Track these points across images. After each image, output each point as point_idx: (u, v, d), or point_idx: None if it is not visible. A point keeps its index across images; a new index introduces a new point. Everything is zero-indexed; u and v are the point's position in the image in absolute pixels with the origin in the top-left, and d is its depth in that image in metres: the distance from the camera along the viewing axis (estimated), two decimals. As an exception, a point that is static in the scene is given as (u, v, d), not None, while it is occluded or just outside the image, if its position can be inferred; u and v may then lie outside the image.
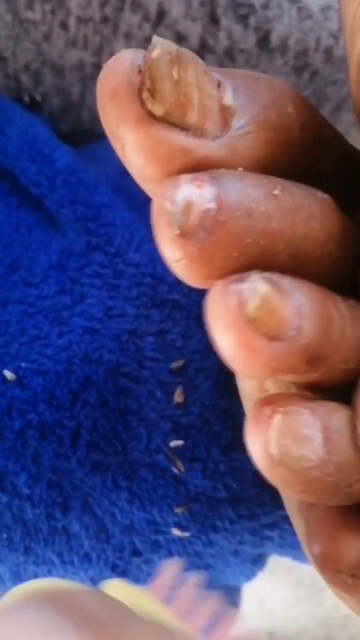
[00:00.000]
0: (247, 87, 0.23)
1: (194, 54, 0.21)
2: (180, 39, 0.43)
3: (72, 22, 0.42)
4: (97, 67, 0.43)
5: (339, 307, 0.23)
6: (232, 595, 0.49)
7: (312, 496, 0.25)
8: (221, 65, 0.43)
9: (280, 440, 0.23)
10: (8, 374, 0.34)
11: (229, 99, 0.22)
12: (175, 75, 0.21)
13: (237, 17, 0.42)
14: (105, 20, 0.42)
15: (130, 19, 0.42)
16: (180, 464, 0.34)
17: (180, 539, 0.36)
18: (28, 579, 0.38)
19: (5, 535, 0.35)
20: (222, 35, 0.43)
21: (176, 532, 0.36)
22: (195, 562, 0.38)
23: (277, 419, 0.24)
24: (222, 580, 0.40)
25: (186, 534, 0.36)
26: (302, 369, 0.23)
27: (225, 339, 0.22)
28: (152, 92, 0.20)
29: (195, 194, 0.20)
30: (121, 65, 0.21)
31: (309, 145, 0.24)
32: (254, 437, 0.25)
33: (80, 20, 0.42)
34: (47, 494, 0.34)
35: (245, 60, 0.43)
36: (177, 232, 0.21)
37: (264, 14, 0.42)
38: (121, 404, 0.34)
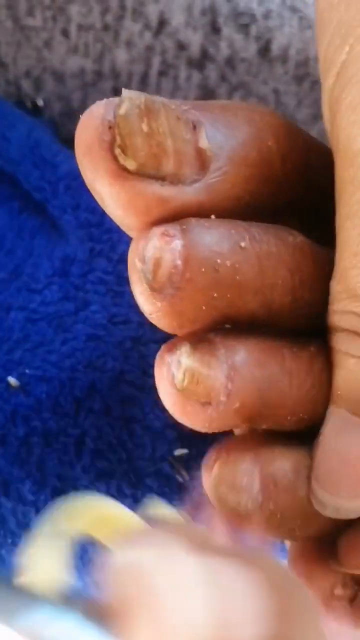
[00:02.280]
0: (224, 124, 0.23)
1: (165, 100, 0.21)
2: (181, 47, 0.43)
3: (73, 29, 0.42)
4: (99, 74, 0.43)
5: (285, 364, 0.23)
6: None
7: (261, 533, 0.25)
8: (222, 74, 0.43)
9: (217, 488, 0.24)
10: (12, 381, 0.34)
11: (204, 141, 0.22)
12: (145, 128, 0.20)
13: (238, 26, 0.42)
14: (106, 28, 0.42)
15: (131, 27, 0.42)
16: (184, 472, 0.34)
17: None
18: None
19: (10, 541, 0.34)
20: (223, 44, 0.43)
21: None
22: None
23: (215, 467, 0.24)
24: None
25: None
26: (239, 425, 0.24)
27: (166, 403, 0.23)
28: (123, 148, 0.20)
29: (164, 249, 0.21)
30: (93, 121, 0.21)
31: (294, 175, 0.24)
32: (204, 481, 0.25)
33: (81, 27, 0.42)
34: (52, 501, 0.34)
35: (246, 69, 0.44)
36: (147, 288, 0.21)
37: (264, 24, 0.42)
38: (125, 412, 0.34)
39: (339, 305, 0.22)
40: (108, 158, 0.20)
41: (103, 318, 0.35)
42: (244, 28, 0.43)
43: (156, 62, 0.42)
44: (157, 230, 0.21)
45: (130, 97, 0.20)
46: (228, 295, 0.21)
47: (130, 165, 0.20)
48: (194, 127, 0.22)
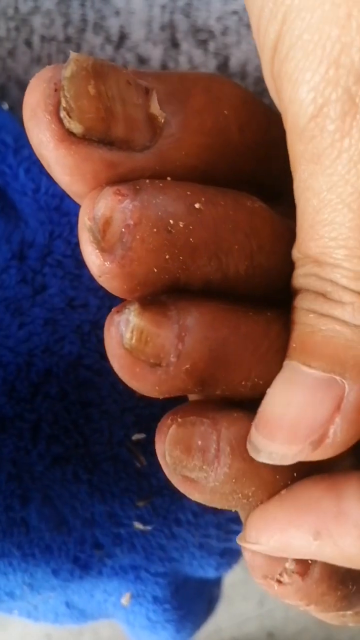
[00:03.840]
0: (180, 91, 0.22)
1: (115, 64, 0.21)
2: (142, 61, 0.44)
3: (36, 40, 0.43)
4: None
5: (240, 327, 0.23)
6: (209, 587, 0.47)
7: (214, 504, 0.25)
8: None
9: (172, 451, 0.23)
10: (-33, 365, 0.34)
11: (155, 107, 0.21)
12: (92, 91, 0.20)
13: (197, 42, 0.43)
14: (68, 40, 0.43)
15: (93, 40, 0.43)
16: (142, 458, 0.34)
17: (142, 532, 0.35)
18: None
19: None
20: (182, 59, 0.44)
21: (138, 525, 0.35)
22: (159, 555, 0.37)
23: (171, 430, 0.24)
24: (190, 572, 0.39)
25: (148, 528, 0.35)
26: (192, 390, 0.23)
27: (114, 365, 0.23)
28: (69, 111, 0.20)
29: (115, 209, 0.20)
30: (39, 84, 0.20)
31: (252, 145, 0.23)
32: (157, 446, 0.25)
33: (44, 39, 0.43)
34: (7, 486, 0.33)
35: (205, 84, 0.45)
36: (97, 248, 0.21)
37: (223, 40, 0.43)
38: (82, 396, 0.34)
39: (303, 269, 0.22)
40: (53, 121, 0.20)
41: (61, 302, 0.34)
42: (203, 44, 0.44)
43: (117, 75, 0.43)
44: (109, 189, 0.21)
45: (77, 59, 0.20)
46: (181, 258, 0.21)
47: (76, 128, 0.20)
48: (146, 93, 0.21)
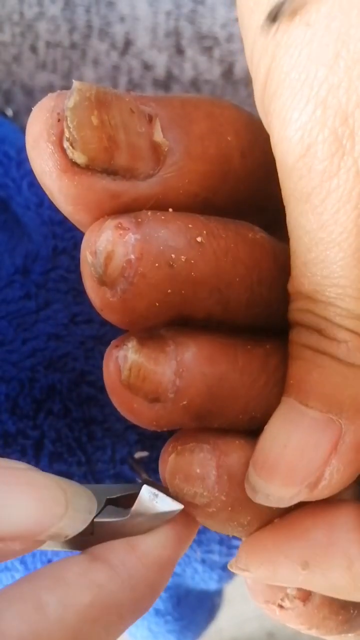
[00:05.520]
0: (183, 117, 0.22)
1: (119, 92, 0.21)
2: (147, 67, 0.44)
3: (41, 45, 0.42)
4: (67, 90, 0.43)
5: (237, 362, 0.23)
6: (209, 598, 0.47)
7: (212, 528, 0.25)
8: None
9: (171, 481, 0.24)
10: (-30, 382, 0.33)
11: (159, 135, 0.21)
12: (95, 121, 0.20)
13: (202, 48, 0.43)
14: (73, 46, 0.43)
15: (98, 46, 0.43)
16: (144, 475, 0.34)
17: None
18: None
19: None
20: (187, 65, 0.44)
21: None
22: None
23: (170, 459, 0.24)
24: (192, 585, 0.39)
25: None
26: (189, 424, 0.23)
27: (113, 400, 0.23)
28: (72, 142, 0.20)
29: (117, 243, 0.20)
30: (42, 113, 0.20)
31: (254, 170, 0.23)
32: (160, 471, 0.25)
33: (49, 44, 0.42)
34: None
35: (211, 90, 0.44)
36: (99, 283, 0.21)
37: (227, 47, 0.43)
38: (85, 413, 0.34)
39: (298, 304, 0.22)
40: (56, 151, 0.20)
41: (65, 317, 0.34)
42: (208, 50, 0.43)
43: (123, 81, 0.43)
44: (111, 222, 0.20)
45: (80, 89, 0.20)
46: (183, 292, 0.21)
47: (80, 159, 0.20)
48: (150, 120, 0.21)
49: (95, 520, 0.24)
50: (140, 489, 0.25)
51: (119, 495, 0.26)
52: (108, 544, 0.23)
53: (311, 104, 0.19)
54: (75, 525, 0.23)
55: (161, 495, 0.24)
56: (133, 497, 0.25)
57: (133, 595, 0.22)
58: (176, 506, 0.24)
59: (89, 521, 0.24)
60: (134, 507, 0.24)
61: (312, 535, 0.23)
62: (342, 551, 0.23)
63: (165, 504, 0.24)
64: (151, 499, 0.24)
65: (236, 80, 0.45)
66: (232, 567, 0.25)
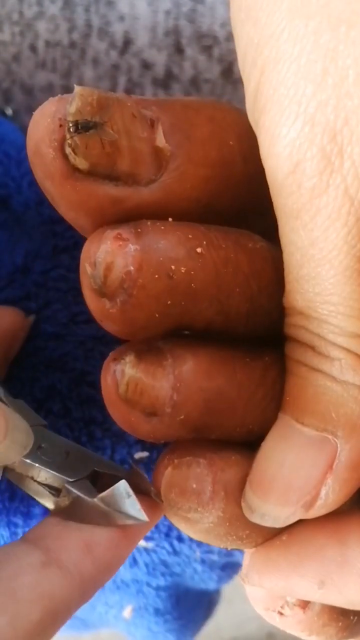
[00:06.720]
0: (184, 121, 0.22)
1: (120, 96, 0.20)
2: (146, 67, 0.44)
3: (40, 45, 0.42)
4: (67, 89, 0.43)
5: (235, 375, 0.23)
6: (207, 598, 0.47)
7: (209, 542, 0.25)
8: (187, 94, 0.44)
9: (167, 495, 0.24)
10: (-30, 381, 0.33)
11: (161, 140, 0.21)
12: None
13: (201, 47, 0.43)
14: (73, 45, 0.43)
15: (97, 45, 0.43)
16: (141, 471, 0.34)
17: (145, 548, 0.35)
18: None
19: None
20: (187, 64, 0.43)
21: (140, 542, 0.35)
22: (161, 570, 0.37)
23: (167, 472, 0.24)
24: (191, 585, 0.39)
25: (150, 544, 0.35)
26: (186, 436, 0.23)
27: (110, 412, 0.23)
28: (74, 147, 0.19)
29: (116, 254, 0.20)
30: (44, 118, 0.20)
31: (255, 174, 0.23)
32: (155, 482, 0.25)
33: (48, 44, 0.42)
34: (10, 504, 0.33)
35: (211, 89, 0.44)
36: (98, 294, 0.21)
37: (227, 46, 0.43)
38: (85, 413, 0.34)
39: (293, 319, 0.22)
40: (58, 157, 0.20)
41: (64, 317, 0.34)
42: (207, 49, 0.43)
43: (122, 80, 0.43)
44: (110, 233, 0.20)
45: (82, 94, 0.20)
46: (182, 303, 0.21)
47: (82, 165, 0.20)
48: (152, 125, 0.21)
49: (65, 485, 0.26)
50: (125, 478, 0.25)
51: (105, 471, 0.27)
52: (64, 542, 0.24)
53: (299, 121, 0.19)
54: (10, 455, 0.25)
55: (133, 499, 0.24)
56: (115, 481, 0.25)
57: (82, 598, 0.23)
58: (141, 517, 0.24)
59: (22, 454, 0.25)
60: (102, 494, 0.25)
61: (326, 553, 0.23)
62: (356, 569, 0.23)
63: (133, 509, 0.24)
64: (122, 497, 0.24)
65: (236, 79, 0.45)
66: (244, 581, 0.25)
